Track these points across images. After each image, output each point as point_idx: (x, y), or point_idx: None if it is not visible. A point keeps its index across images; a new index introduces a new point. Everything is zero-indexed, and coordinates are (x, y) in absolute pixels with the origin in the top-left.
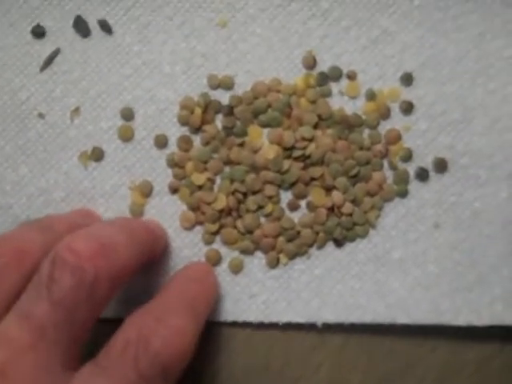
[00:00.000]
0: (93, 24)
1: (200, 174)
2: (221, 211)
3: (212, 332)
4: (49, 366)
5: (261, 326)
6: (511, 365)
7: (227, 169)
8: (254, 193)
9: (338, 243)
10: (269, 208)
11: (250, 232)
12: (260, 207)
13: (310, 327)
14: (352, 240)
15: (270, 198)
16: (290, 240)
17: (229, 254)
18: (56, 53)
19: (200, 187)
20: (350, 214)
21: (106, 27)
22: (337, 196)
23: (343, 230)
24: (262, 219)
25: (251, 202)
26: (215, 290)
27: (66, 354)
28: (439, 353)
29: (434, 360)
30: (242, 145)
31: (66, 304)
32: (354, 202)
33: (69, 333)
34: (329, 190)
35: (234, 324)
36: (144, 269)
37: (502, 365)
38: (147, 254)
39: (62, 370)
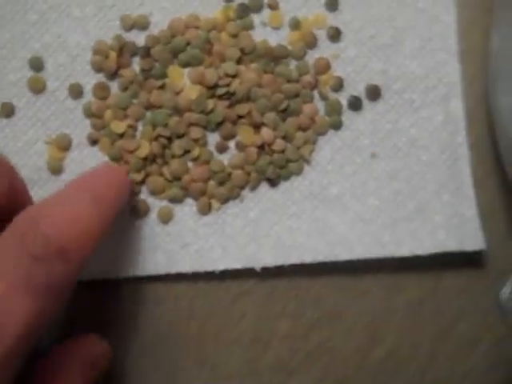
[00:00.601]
0: None
1: (120, 121)
2: (145, 159)
3: (138, 288)
4: None
5: (183, 277)
6: (441, 310)
7: (149, 114)
8: (179, 137)
9: (272, 183)
10: (196, 151)
11: (178, 178)
12: (186, 151)
13: (234, 276)
14: (286, 178)
15: (196, 140)
16: (220, 183)
17: (157, 204)
18: None
19: (121, 136)
20: (282, 151)
21: None
22: (266, 133)
23: (276, 168)
24: (190, 164)
25: (176, 146)
26: (124, 184)
27: None
28: (369, 298)
29: (364, 305)
30: (162, 87)
31: None
32: (285, 138)
33: None
34: (257, 127)
35: (162, 278)
36: None
37: (431, 310)
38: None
39: None
